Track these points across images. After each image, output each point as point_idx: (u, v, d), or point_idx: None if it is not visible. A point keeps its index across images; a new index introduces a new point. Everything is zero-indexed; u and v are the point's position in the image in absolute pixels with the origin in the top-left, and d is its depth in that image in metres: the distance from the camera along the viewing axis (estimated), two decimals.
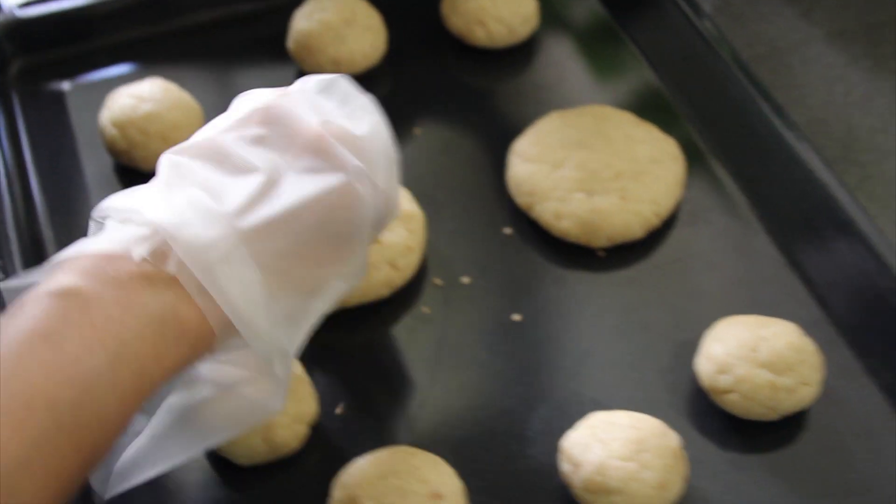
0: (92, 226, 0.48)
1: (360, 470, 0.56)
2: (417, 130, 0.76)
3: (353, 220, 0.49)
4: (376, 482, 0.55)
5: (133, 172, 0.73)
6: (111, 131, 0.72)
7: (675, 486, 0.56)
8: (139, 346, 0.42)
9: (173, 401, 0.50)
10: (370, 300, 0.65)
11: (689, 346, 0.62)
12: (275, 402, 0.50)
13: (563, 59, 0.81)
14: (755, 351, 0.59)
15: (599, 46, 0.81)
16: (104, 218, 0.48)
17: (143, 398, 0.43)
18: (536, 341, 0.64)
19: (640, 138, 0.70)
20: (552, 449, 0.59)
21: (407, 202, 0.67)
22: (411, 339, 0.65)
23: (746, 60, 0.80)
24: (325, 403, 0.62)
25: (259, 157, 0.48)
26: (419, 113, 0.77)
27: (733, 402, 0.59)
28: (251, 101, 0.51)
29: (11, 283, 0.45)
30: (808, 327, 0.63)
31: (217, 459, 0.60)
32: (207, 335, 0.45)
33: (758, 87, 0.72)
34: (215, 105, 0.78)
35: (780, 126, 0.70)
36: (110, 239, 0.45)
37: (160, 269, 0.44)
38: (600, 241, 0.67)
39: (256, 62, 0.81)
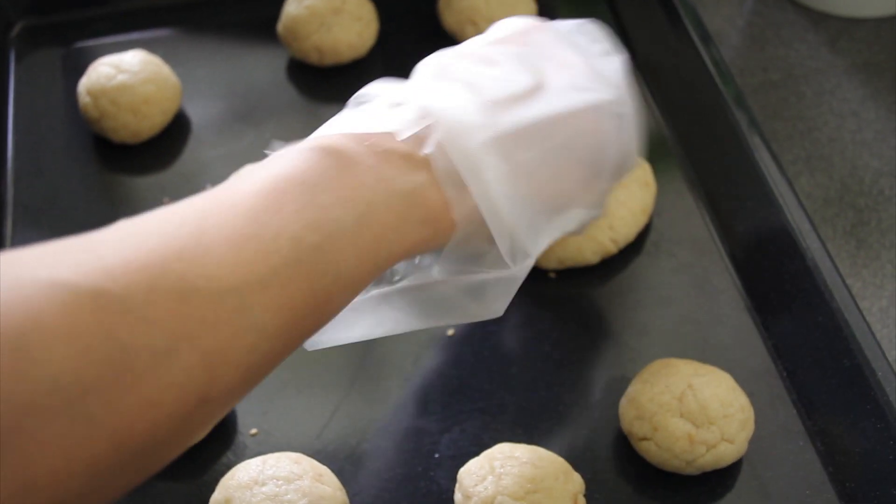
0: (350, 107, 0.50)
1: (243, 472, 0.55)
2: None
3: (603, 148, 0.51)
4: (252, 487, 0.54)
5: (106, 143, 0.73)
6: (85, 99, 0.72)
7: None
8: (384, 215, 0.44)
9: (414, 275, 0.52)
10: None
11: (624, 384, 0.59)
12: (497, 306, 0.51)
13: None
14: (679, 400, 0.56)
15: None
16: (363, 101, 0.49)
17: (378, 268, 0.44)
18: (464, 359, 0.62)
19: None
20: (454, 476, 0.56)
21: None
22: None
23: (755, 85, 0.76)
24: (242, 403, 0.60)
25: (523, 66, 0.49)
26: None
27: (648, 450, 0.56)
28: (511, 25, 0.53)
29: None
30: (755, 378, 0.60)
31: None
32: (448, 226, 0.46)
33: (752, 120, 0.67)
34: (197, 83, 0.77)
35: (766, 166, 0.64)
36: (376, 117, 0.47)
37: (417, 153, 0.45)
38: (550, 262, 0.64)
39: (248, 44, 0.80)
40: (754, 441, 0.57)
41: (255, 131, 0.74)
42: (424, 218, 0.45)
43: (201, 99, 0.77)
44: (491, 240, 0.48)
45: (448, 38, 0.77)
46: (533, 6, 0.77)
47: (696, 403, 0.55)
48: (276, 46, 0.78)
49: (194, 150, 0.74)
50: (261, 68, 0.79)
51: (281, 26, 0.76)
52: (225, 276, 0.38)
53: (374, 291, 0.51)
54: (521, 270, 0.50)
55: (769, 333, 0.62)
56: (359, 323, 0.51)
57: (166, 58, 0.75)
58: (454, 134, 0.46)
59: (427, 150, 0.45)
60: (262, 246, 0.40)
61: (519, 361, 0.62)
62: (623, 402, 0.58)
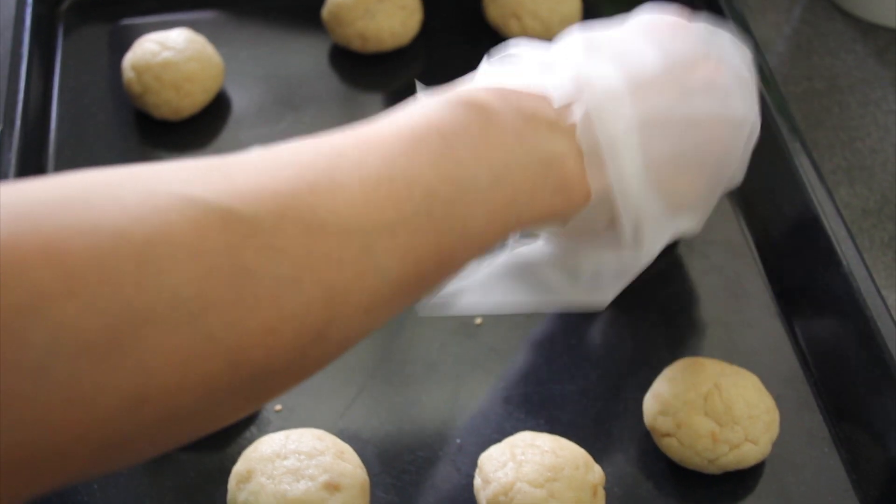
0: (489, 62, 0.50)
1: (266, 445, 0.55)
2: None
3: (729, 161, 0.52)
4: (275, 460, 0.54)
5: (147, 119, 0.74)
6: (129, 74, 0.73)
7: None
8: (520, 177, 0.43)
9: (523, 250, 0.53)
10: None
11: (649, 381, 0.59)
12: (605, 295, 0.52)
13: None
14: (703, 398, 0.55)
15: None
16: (507, 58, 0.50)
17: (507, 231, 0.44)
18: (490, 348, 0.62)
19: None
20: (475, 461, 0.56)
21: None
22: None
23: (799, 94, 0.76)
24: None
25: (672, 57, 0.49)
26: None
27: (671, 447, 0.56)
28: (659, 16, 0.53)
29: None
30: (782, 382, 0.59)
31: None
32: (581, 198, 0.47)
33: (793, 127, 0.66)
34: (240, 65, 0.78)
35: (805, 174, 0.64)
36: (528, 77, 0.47)
37: (562, 120, 0.45)
38: None
39: (292, 28, 0.81)
40: (778, 444, 0.56)
41: (294, 115, 0.75)
42: (559, 186, 0.45)
43: (243, 80, 0.77)
44: (611, 222, 0.49)
45: (490, 32, 0.78)
46: (578, 3, 0.77)
47: (722, 402, 0.55)
48: (320, 32, 0.79)
49: (233, 131, 0.74)
50: (303, 53, 0.79)
51: (325, 11, 0.77)
52: (354, 215, 0.38)
53: (487, 269, 0.51)
54: (635, 260, 0.51)
55: (799, 339, 0.62)
56: (471, 296, 0.52)
57: (210, 38, 0.76)
58: (604, 109, 0.46)
59: (575, 119, 0.46)
60: (394, 191, 0.39)
61: (545, 354, 0.62)
62: (648, 397, 0.57)
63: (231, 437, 0.59)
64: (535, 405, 0.59)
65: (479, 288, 0.52)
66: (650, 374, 0.59)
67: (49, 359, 0.31)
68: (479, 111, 0.43)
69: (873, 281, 0.59)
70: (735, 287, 0.64)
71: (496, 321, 0.63)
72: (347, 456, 0.55)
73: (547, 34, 0.76)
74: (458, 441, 0.58)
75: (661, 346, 0.62)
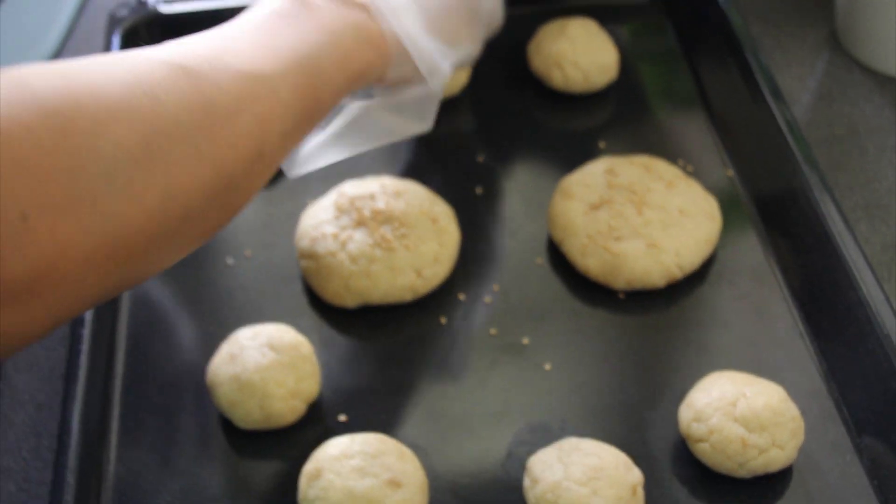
0: None
1: (333, 446, 0.60)
2: (480, 158, 0.80)
3: (480, 3, 0.71)
4: (342, 460, 0.59)
5: None
6: None
7: None
8: (345, 38, 0.59)
9: (351, 108, 0.67)
10: (393, 301, 0.70)
11: (682, 394, 0.64)
12: (425, 122, 0.69)
13: (634, 112, 0.83)
14: (734, 405, 0.60)
15: (671, 104, 0.84)
16: None
17: (350, 80, 0.59)
18: (537, 365, 0.67)
19: (680, 192, 0.72)
20: (523, 465, 0.61)
21: (446, 219, 0.72)
22: (423, 343, 0.69)
23: (821, 139, 0.81)
24: (330, 387, 0.66)
25: None
26: (487, 142, 0.81)
27: (704, 452, 0.61)
28: None
29: None
30: (807, 397, 0.64)
31: (220, 420, 0.65)
32: (386, 51, 0.62)
33: (817, 172, 0.71)
34: None
35: (827, 212, 0.69)
36: None
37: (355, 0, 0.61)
38: (619, 283, 0.70)
39: None
40: (803, 452, 0.61)
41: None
42: (369, 42, 0.61)
43: None
44: (415, 69, 0.65)
45: (535, 81, 0.84)
46: (616, 53, 0.83)
47: (750, 410, 0.60)
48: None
49: None
50: None
51: None
52: (259, 66, 0.52)
53: (330, 129, 0.67)
54: (437, 85, 0.67)
55: (822, 358, 0.67)
56: (325, 154, 0.67)
57: None
58: None
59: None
60: (276, 52, 0.54)
61: (587, 371, 0.67)
62: (682, 407, 0.63)
63: (299, 444, 0.64)
64: (577, 415, 0.65)
65: (331, 141, 0.67)
66: (683, 387, 0.64)
67: (114, 166, 0.43)
68: (300, 1, 0.58)
69: (891, 305, 0.64)
70: (762, 311, 0.69)
71: (542, 342, 0.68)
72: (408, 457, 0.60)
73: (586, 82, 0.82)
74: (508, 448, 0.63)
75: (693, 363, 0.67)
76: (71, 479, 0.60)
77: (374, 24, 0.61)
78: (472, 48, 0.72)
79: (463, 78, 0.83)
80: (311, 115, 0.57)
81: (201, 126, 0.48)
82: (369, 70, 0.61)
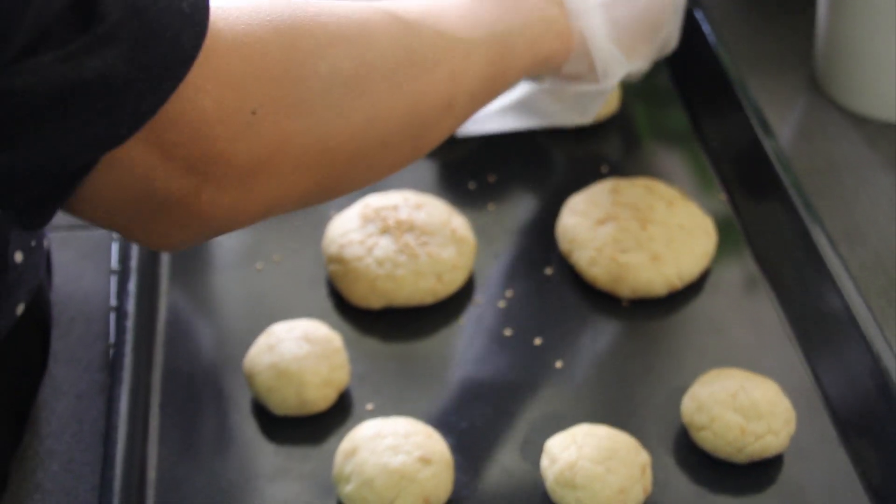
0: None
1: (367, 428, 0.65)
2: (492, 178, 0.86)
3: (662, 22, 0.77)
4: (376, 439, 0.64)
5: None
6: None
7: (635, 496, 0.63)
8: (537, 26, 0.66)
9: (524, 87, 0.77)
10: (415, 304, 0.75)
11: (682, 391, 0.70)
12: (586, 115, 0.78)
13: (634, 142, 0.90)
14: (734, 397, 0.66)
15: (667, 136, 0.91)
16: None
17: (534, 62, 0.67)
18: (549, 363, 0.73)
19: (679, 211, 0.79)
20: (539, 451, 0.67)
21: (464, 230, 0.78)
22: (443, 342, 0.75)
23: (803, 171, 0.89)
24: (357, 380, 0.72)
25: None
26: (498, 165, 0.87)
27: (705, 439, 0.66)
28: None
29: None
30: (797, 396, 0.70)
31: (256, 406, 0.70)
32: (570, 46, 0.70)
33: (803, 195, 0.78)
34: None
35: (813, 231, 0.75)
36: None
37: None
38: (624, 291, 0.76)
39: None
40: (794, 444, 0.67)
41: None
42: (559, 35, 0.68)
43: None
44: (591, 67, 0.71)
45: None
46: (617, 89, 0.90)
47: (748, 400, 0.66)
48: None
49: None
50: None
51: None
52: (458, 31, 0.60)
53: (503, 100, 0.77)
54: (608, 86, 0.73)
55: (809, 360, 0.73)
56: (494, 121, 0.78)
57: None
58: None
59: None
60: (475, 23, 0.61)
61: (596, 368, 0.73)
62: (685, 398, 0.68)
63: (331, 430, 0.69)
64: (587, 408, 0.70)
65: (497, 114, 0.77)
66: (683, 384, 0.70)
67: (329, 84, 0.51)
68: None
69: (872, 312, 0.70)
70: (755, 319, 0.76)
71: (553, 343, 0.74)
72: (435, 438, 0.66)
73: None
74: (525, 435, 0.69)
75: (692, 363, 0.73)
76: (119, 459, 0.64)
77: (565, 20, 0.69)
78: (642, 64, 0.78)
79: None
80: (497, 83, 0.64)
81: (404, 67, 0.55)
82: (552, 58, 0.69)
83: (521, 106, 0.78)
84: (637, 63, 0.77)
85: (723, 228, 0.81)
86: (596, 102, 0.77)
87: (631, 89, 0.93)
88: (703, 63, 0.92)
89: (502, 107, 0.78)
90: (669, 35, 0.80)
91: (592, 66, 0.72)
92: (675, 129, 0.91)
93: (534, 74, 0.71)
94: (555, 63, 0.70)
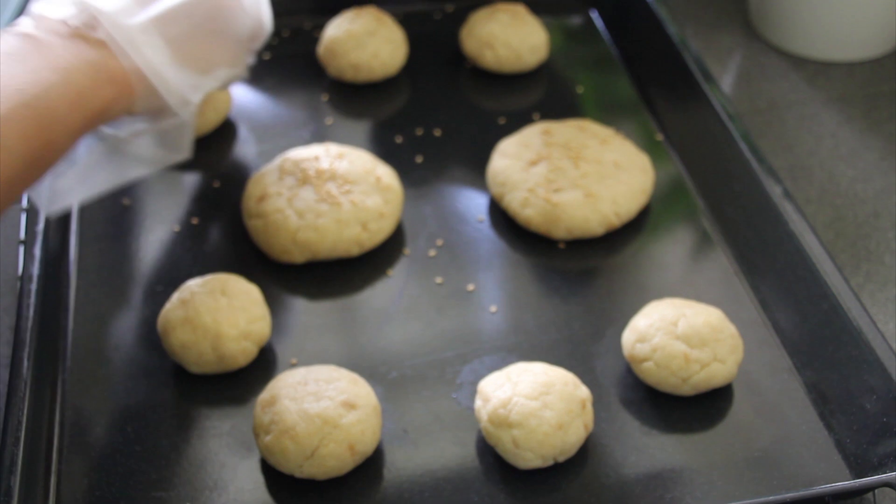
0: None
1: (289, 376, 0.61)
2: (419, 131, 0.83)
3: (233, 23, 0.66)
4: (297, 386, 0.60)
5: None
6: None
7: (575, 432, 0.59)
8: (80, 76, 0.57)
9: (103, 140, 0.66)
10: (340, 255, 0.71)
11: (623, 327, 0.66)
12: (181, 151, 0.68)
13: (566, 89, 0.87)
14: (675, 325, 0.63)
15: (601, 81, 0.88)
16: None
17: (86, 119, 0.57)
18: (482, 308, 0.69)
19: (614, 148, 0.75)
20: (474, 395, 0.62)
21: (389, 178, 0.74)
22: (371, 293, 0.71)
23: (743, 112, 0.86)
24: (280, 337, 0.67)
25: None
26: (425, 117, 0.84)
27: (648, 371, 0.63)
28: None
29: None
30: (745, 326, 0.67)
31: (175, 368, 0.65)
32: (129, 88, 0.60)
33: (748, 141, 0.74)
34: (246, 99, 0.86)
35: (759, 173, 0.72)
36: (51, 8, 0.59)
37: (91, 35, 0.58)
38: (560, 232, 0.72)
39: (290, 66, 0.90)
40: (744, 373, 0.64)
41: (296, 133, 0.83)
42: (110, 79, 0.58)
43: (248, 110, 0.86)
44: (165, 100, 0.62)
45: (467, 61, 0.88)
46: (545, 35, 0.87)
47: (691, 328, 0.62)
48: (315, 72, 0.88)
49: (239, 149, 0.82)
50: (301, 87, 0.88)
51: (321, 48, 0.86)
52: None
53: (82, 163, 0.66)
54: (188, 115, 0.65)
55: (756, 291, 0.69)
56: (80, 188, 0.66)
57: None
58: (113, 20, 0.59)
59: (98, 34, 0.59)
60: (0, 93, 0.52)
61: (532, 311, 0.69)
62: (626, 332, 0.65)
63: (253, 385, 0.65)
64: (525, 350, 0.66)
65: (85, 174, 0.66)
66: (624, 321, 0.66)
67: None
68: (28, 38, 0.56)
69: (816, 234, 0.67)
70: (697, 254, 0.72)
71: (487, 287, 0.70)
72: (360, 384, 0.61)
73: (518, 62, 0.86)
74: (459, 381, 0.65)
75: (633, 299, 0.69)
76: (23, 427, 0.60)
77: (115, 60, 0.59)
78: (233, 71, 0.69)
79: (400, 59, 0.86)
80: (42, 157, 0.55)
81: None
82: (110, 108, 0.59)
83: (110, 159, 0.66)
84: (223, 73, 0.67)
85: (659, 166, 0.78)
86: (186, 134, 0.67)
87: (561, 35, 0.90)
88: (640, 15, 0.89)
89: (86, 166, 0.66)
90: (257, 22, 0.70)
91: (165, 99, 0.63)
92: (609, 75, 0.88)
93: (94, 129, 0.60)
94: (117, 110, 0.60)
